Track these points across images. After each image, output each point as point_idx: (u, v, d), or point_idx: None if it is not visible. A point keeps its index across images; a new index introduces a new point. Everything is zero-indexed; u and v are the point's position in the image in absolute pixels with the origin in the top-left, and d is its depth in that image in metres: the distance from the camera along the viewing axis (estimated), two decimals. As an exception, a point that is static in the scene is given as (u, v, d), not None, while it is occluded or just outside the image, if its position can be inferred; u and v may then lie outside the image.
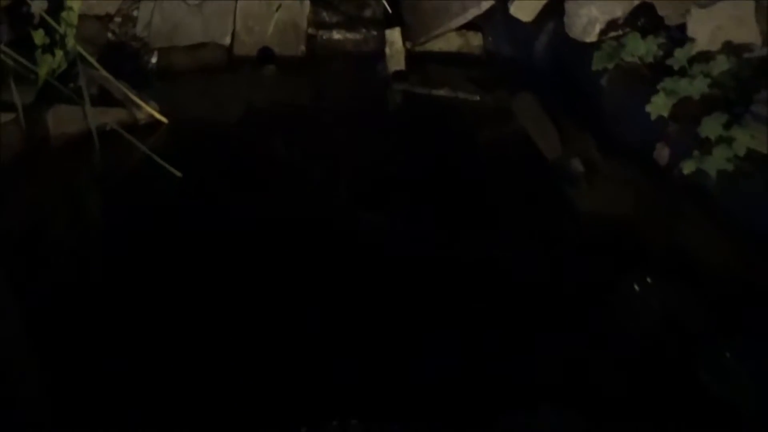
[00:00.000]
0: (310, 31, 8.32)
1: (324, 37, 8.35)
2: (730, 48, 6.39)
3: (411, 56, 8.09)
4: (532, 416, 4.59)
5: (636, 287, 5.48)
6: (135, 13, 7.96)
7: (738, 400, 4.69)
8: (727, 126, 5.93)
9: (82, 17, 7.08)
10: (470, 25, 8.31)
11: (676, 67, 6.40)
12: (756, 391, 4.70)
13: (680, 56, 6.43)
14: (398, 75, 7.82)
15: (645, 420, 4.55)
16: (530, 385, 4.76)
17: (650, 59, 6.72)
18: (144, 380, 4.76)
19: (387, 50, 8.01)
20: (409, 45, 8.20)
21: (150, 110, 6.93)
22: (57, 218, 6.30)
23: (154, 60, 7.67)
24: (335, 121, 7.15)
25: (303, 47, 8.23)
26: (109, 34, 7.75)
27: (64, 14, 6.77)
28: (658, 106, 6.31)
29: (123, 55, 7.43)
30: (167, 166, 6.26)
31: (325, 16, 8.52)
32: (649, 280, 5.51)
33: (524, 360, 4.97)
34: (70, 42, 6.67)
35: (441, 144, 6.94)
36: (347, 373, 4.82)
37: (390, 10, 8.32)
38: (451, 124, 7.11)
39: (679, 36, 6.65)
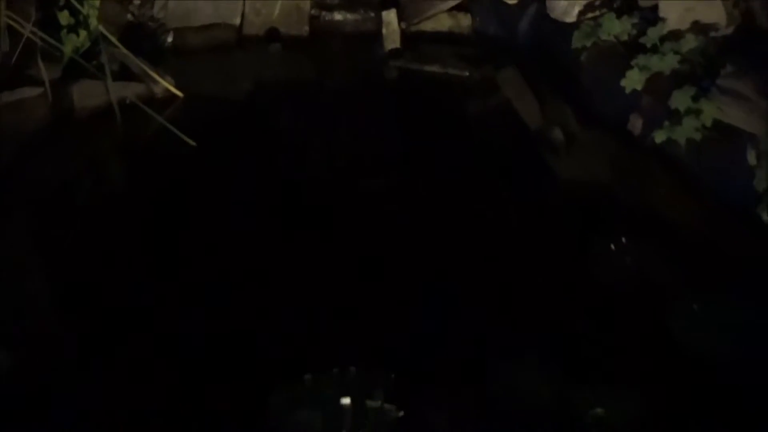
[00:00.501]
0: (313, 12, 8.30)
1: (326, 18, 8.33)
2: (698, 27, 6.41)
3: (405, 35, 8.09)
4: (515, 362, 4.61)
5: (611, 245, 5.50)
6: (153, -4, 7.94)
7: (702, 345, 4.74)
8: (695, 99, 5.97)
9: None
10: (460, 7, 8.30)
11: (648, 45, 6.42)
12: (723, 339, 4.73)
13: (652, 35, 6.44)
14: (394, 52, 7.83)
15: (619, 368, 4.58)
16: (512, 335, 4.80)
17: (625, 38, 6.74)
18: (155, 324, 4.85)
19: (384, 30, 8.01)
20: (403, 25, 8.20)
21: (166, 85, 6.94)
22: (80, 182, 6.33)
23: (170, 39, 7.66)
24: (336, 95, 7.18)
25: (306, 27, 8.22)
26: (129, 15, 7.72)
27: (87, -3, 6.76)
28: (633, 80, 6.35)
29: (141, 34, 7.42)
30: (182, 135, 6.30)
31: (326, -2, 8.52)
32: (623, 239, 5.53)
33: (505, 310, 5.02)
34: (93, 22, 6.65)
35: (432, 114, 6.98)
36: (347, 325, 4.85)
37: (387, -7, 8.34)
38: (442, 96, 7.15)
39: (651, 16, 6.65)
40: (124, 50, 6.84)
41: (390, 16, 8.08)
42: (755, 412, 4.34)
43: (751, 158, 5.57)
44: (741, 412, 4.35)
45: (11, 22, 6.39)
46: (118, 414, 4.27)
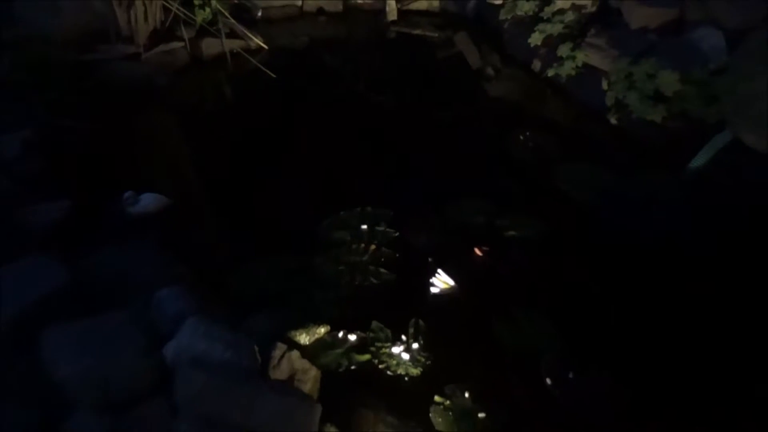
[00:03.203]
0: (345, -2, 8.18)
1: (352, 1, 8.15)
2: (574, 6, 6.29)
3: (400, 12, 7.94)
4: (463, 203, 4.62)
5: (520, 135, 5.48)
6: (249, -14, 7.77)
7: (574, 192, 4.77)
8: (572, 49, 5.94)
9: (220, -12, 6.94)
10: (432, -6, 8.18)
11: (545, 17, 6.33)
12: (588, 188, 4.76)
13: (548, 11, 6.38)
14: (393, 22, 7.69)
15: (526, 205, 4.60)
16: (460, 186, 4.82)
17: (531, 13, 6.61)
18: (248, 185, 4.83)
19: (387, 8, 7.86)
20: (399, 5, 8.04)
21: (257, 41, 6.84)
22: (209, 98, 6.27)
23: (259, 13, 7.49)
24: (358, 46, 7.10)
25: (341, 6, 8.06)
26: (235, -1, 7.59)
27: (210, -13, 6.65)
28: (535, 39, 6.29)
29: (242, 10, 7.25)
30: (267, 70, 6.25)
31: (352, -11, 8.35)
32: (527, 132, 5.51)
33: (457, 172, 5.04)
34: (214, 3, 6.51)
35: (415, 59, 6.91)
36: (365, 182, 4.87)
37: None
38: (421, 47, 7.06)
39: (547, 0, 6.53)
40: (232, 20, 6.71)
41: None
42: (611, 230, 4.47)
43: (605, 85, 5.53)
44: (601, 231, 4.46)
45: (165, 3, 6.29)
46: (224, 235, 4.38)
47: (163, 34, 6.45)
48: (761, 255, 4.12)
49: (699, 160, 4.89)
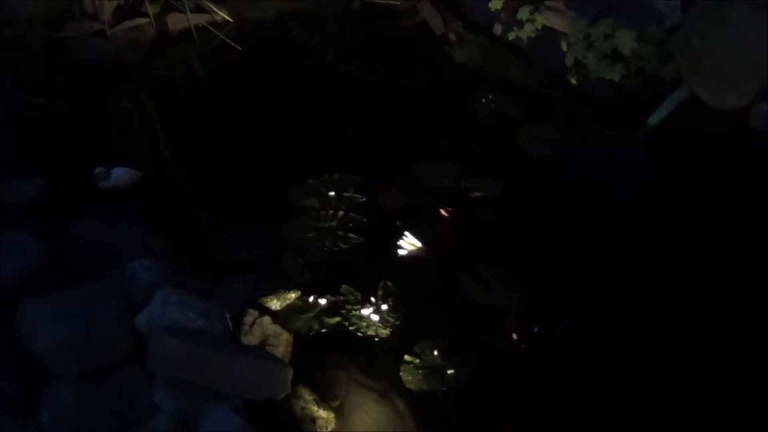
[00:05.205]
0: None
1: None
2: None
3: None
4: (429, 167, 4.64)
5: (483, 99, 5.48)
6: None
7: (537, 151, 4.82)
8: (531, 13, 5.89)
9: (183, -37, 6.83)
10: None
11: (505, -16, 6.27)
12: (551, 147, 4.83)
13: (507, -23, 6.31)
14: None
15: (490, 164, 4.63)
16: (427, 150, 4.87)
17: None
18: (224, 156, 4.84)
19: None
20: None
21: (223, 15, 6.70)
22: (176, 72, 6.24)
23: (225, -13, 7.35)
24: (327, 17, 6.96)
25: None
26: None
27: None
28: (496, 3, 6.22)
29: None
30: (232, 43, 6.15)
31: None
32: (490, 95, 5.51)
33: (424, 136, 5.05)
34: (179, -23, 6.43)
35: (380, 27, 6.83)
36: (333, 149, 4.88)
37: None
38: (386, 17, 6.96)
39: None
40: (198, -5, 6.64)
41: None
42: (572, 186, 4.55)
43: (564, 46, 5.54)
44: (563, 188, 4.55)
45: (129, -22, 6.24)
46: (196, 206, 4.45)
47: (127, 10, 6.32)
48: (714, 205, 4.26)
49: (657, 117, 4.96)
